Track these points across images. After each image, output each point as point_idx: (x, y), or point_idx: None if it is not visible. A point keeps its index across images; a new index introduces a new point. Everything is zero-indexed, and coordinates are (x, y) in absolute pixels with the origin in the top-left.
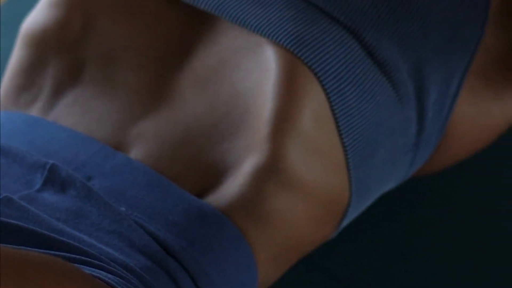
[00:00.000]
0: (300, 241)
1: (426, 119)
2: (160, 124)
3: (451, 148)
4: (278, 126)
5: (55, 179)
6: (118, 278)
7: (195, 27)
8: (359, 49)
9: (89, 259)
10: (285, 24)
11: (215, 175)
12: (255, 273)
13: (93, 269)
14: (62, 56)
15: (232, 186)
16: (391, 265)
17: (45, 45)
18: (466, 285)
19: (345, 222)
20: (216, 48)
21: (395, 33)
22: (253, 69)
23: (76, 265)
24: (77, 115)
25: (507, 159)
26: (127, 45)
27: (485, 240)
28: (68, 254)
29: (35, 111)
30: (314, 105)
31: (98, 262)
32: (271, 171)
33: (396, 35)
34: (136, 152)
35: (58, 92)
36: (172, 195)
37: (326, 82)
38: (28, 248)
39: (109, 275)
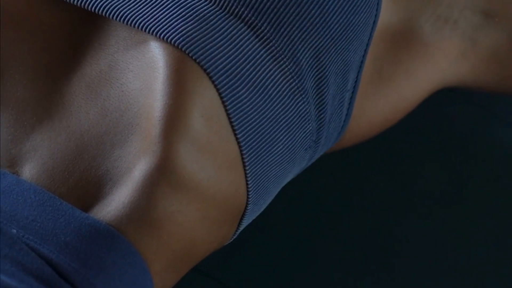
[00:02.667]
0: (196, 244)
1: (326, 114)
2: (54, 136)
3: (356, 136)
4: (168, 126)
5: None
6: None
7: (83, 31)
8: (253, 41)
9: None
10: (172, 22)
11: (108, 186)
12: (150, 286)
13: None
14: None
15: (123, 196)
16: (288, 275)
17: None
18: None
19: (245, 222)
20: (106, 51)
21: (296, 19)
22: (142, 70)
23: None
24: None
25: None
26: (13, 56)
27: (383, 243)
28: None
29: None
30: (205, 102)
31: None
32: (162, 173)
33: (297, 22)
34: (30, 168)
35: None
36: (64, 214)
37: (216, 78)
38: None
39: None
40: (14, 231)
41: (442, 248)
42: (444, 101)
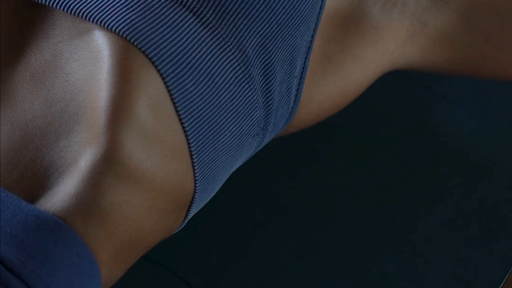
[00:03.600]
0: (144, 233)
1: (273, 101)
2: None
3: (305, 121)
4: (114, 116)
5: None
6: None
7: (27, 21)
8: (198, 29)
9: None
10: (117, 10)
11: (53, 177)
12: (98, 277)
13: None
14: None
15: (69, 187)
16: (236, 262)
17: None
18: (307, 280)
19: (194, 210)
20: (50, 40)
21: (241, 6)
22: (87, 59)
23: None
24: None
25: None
26: None
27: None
28: None
29: None
30: (150, 91)
31: None
32: (108, 163)
33: (243, 9)
34: None
35: None
36: (9, 205)
37: (162, 67)
38: None
39: None
40: None
41: (390, 231)
42: (395, 84)
